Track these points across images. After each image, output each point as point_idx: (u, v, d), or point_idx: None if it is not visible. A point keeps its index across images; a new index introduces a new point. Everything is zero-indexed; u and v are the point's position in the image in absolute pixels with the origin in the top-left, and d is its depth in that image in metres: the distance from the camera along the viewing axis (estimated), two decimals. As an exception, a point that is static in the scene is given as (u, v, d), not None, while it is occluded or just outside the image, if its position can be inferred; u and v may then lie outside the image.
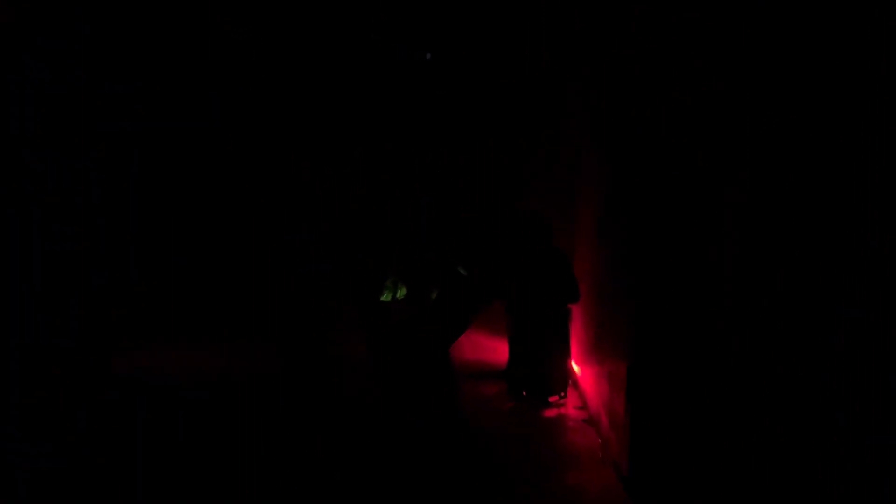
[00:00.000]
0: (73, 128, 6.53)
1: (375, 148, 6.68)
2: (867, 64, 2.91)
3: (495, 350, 5.99)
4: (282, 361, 6.10)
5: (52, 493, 4.06)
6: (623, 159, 4.34)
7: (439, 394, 4.15)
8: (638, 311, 3.99)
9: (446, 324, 4.14)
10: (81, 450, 4.51)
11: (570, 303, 5.42)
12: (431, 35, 6.45)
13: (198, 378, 5.70)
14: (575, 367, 5.64)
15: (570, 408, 5.28)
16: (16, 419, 4.95)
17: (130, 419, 4.94)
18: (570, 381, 5.52)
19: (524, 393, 5.38)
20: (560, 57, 5.75)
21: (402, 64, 6.47)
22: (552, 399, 5.34)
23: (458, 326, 4.21)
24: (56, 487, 4.09)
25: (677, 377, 3.90)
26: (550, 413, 5.22)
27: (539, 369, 5.34)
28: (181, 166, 7.02)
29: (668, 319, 3.89)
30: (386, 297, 4.07)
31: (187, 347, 6.33)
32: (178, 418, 4.95)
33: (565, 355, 5.49)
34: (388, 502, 3.98)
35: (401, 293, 4.07)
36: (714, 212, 3.72)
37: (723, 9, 3.53)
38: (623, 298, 4.27)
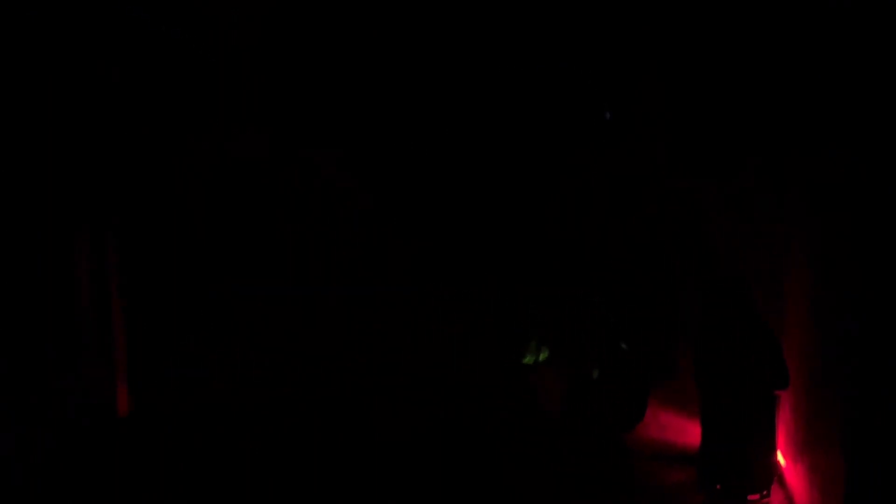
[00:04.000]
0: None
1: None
2: None
3: (684, 431, 5.38)
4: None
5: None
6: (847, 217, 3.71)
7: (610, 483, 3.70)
8: (859, 402, 3.32)
9: (617, 408, 3.71)
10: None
11: (777, 388, 4.75)
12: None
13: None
14: (781, 460, 4.94)
15: (773, 510, 4.61)
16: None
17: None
18: (775, 477, 4.82)
19: (718, 486, 4.75)
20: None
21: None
22: (752, 497, 4.68)
23: (633, 411, 3.76)
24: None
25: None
26: (749, 513, 4.58)
27: (738, 459, 4.69)
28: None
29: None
30: (528, 360, 3.77)
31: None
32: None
33: (770, 446, 4.79)
34: None
35: (543, 356, 3.74)
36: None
37: None
38: (841, 384, 3.61)
